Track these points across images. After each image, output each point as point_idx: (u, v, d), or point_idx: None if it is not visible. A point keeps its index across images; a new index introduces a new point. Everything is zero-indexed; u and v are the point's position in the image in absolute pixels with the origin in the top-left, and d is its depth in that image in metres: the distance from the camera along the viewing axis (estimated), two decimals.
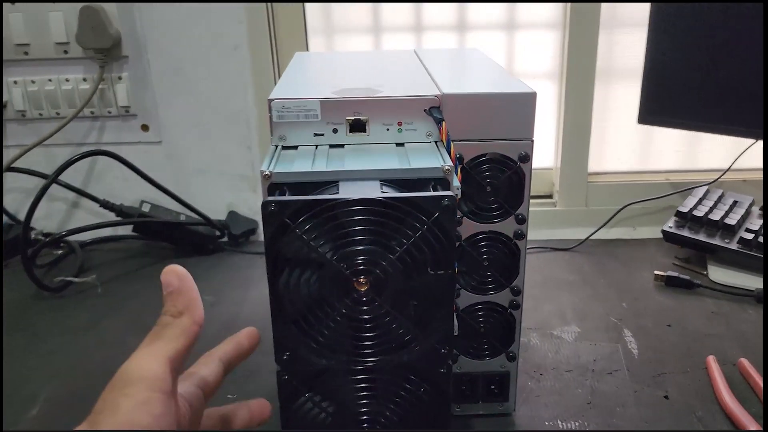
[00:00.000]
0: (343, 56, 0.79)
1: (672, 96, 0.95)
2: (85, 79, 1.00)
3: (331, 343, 0.49)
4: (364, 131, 0.55)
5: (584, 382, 0.70)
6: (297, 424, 0.51)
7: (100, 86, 0.99)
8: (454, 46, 1.07)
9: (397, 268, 0.47)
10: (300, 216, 0.45)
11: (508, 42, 1.07)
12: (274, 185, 0.49)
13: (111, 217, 0.98)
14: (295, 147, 0.55)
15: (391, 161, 0.51)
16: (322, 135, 0.55)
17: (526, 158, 0.56)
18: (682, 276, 0.88)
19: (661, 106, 0.96)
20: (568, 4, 1.00)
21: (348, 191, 0.47)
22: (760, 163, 1.06)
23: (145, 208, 1.00)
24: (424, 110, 0.54)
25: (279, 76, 0.99)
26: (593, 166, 1.09)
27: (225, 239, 1.06)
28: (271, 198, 0.46)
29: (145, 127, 1.03)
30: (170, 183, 1.03)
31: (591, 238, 1.02)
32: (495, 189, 0.57)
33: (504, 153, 0.56)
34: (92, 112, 1.02)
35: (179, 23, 0.98)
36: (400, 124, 0.55)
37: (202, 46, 0.99)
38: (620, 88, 1.07)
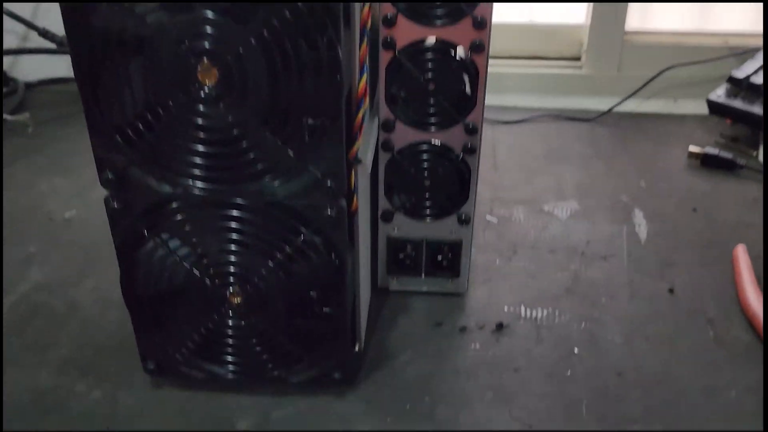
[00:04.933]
0: None
1: None
2: None
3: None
4: None
5: (568, 266, 0.55)
6: (140, 272, 0.38)
7: None
8: None
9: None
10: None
11: None
12: None
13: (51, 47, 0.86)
14: None
15: None
16: None
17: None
18: (722, 155, 0.70)
19: None
20: None
21: None
22: None
23: None
24: None
25: None
26: (633, 22, 0.88)
27: None
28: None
29: None
30: None
31: (621, 110, 0.84)
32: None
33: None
34: None
35: None
36: None
37: None
38: None
